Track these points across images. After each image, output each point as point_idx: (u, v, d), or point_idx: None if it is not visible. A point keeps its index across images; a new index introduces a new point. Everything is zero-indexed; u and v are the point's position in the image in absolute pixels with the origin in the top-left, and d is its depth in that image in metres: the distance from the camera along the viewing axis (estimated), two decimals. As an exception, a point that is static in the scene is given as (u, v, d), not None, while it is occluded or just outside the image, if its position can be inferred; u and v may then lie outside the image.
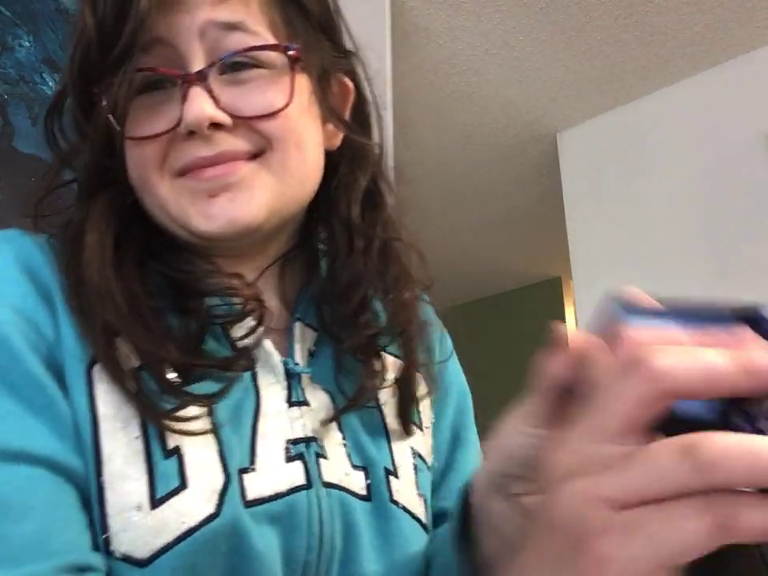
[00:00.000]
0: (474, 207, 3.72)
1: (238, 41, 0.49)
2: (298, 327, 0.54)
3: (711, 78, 2.67)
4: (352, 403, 0.53)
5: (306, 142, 0.52)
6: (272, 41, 0.50)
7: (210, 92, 0.47)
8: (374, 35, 2.11)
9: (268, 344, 0.51)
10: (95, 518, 0.43)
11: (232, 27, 0.49)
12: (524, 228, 3.95)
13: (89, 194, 0.51)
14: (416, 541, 0.51)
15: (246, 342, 0.50)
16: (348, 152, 0.58)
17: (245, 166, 0.49)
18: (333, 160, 0.57)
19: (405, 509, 0.51)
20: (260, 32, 0.50)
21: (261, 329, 0.51)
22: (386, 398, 0.56)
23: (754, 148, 2.51)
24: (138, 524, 0.42)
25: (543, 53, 2.58)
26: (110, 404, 0.45)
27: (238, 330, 0.50)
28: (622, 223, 2.77)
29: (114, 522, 0.42)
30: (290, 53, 0.50)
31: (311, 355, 0.55)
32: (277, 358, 0.51)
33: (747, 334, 0.29)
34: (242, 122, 0.49)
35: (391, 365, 0.57)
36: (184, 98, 0.47)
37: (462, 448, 0.62)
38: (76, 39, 0.49)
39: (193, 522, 0.42)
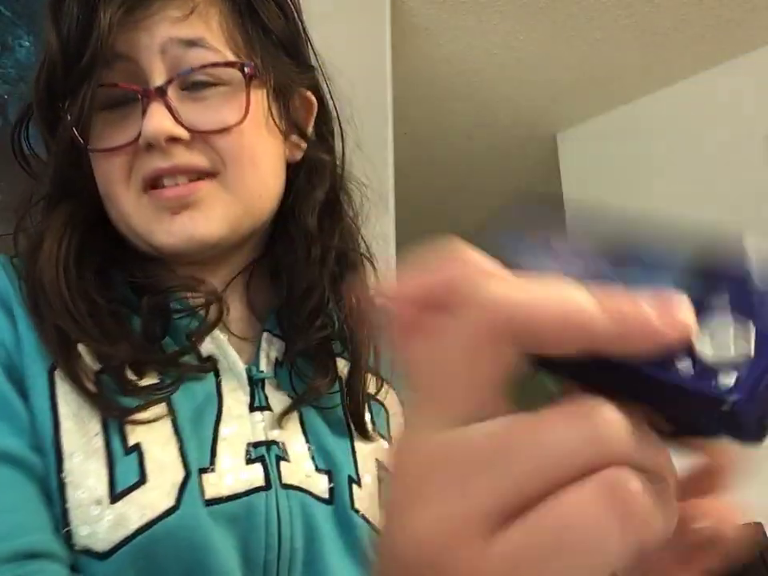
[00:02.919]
0: (474, 207, 3.72)
1: (197, 57, 0.51)
2: (265, 337, 0.56)
3: (711, 77, 2.67)
4: (299, 400, 0.54)
5: (261, 158, 0.54)
6: (231, 57, 0.52)
7: (169, 107, 0.49)
8: (374, 35, 2.11)
9: (232, 352, 0.53)
10: (56, 513, 0.44)
11: (192, 44, 0.51)
12: (524, 228, 3.95)
13: (53, 205, 0.53)
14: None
15: (210, 347, 0.52)
16: (307, 164, 0.59)
17: (204, 186, 0.51)
18: (297, 171, 0.59)
19: (365, 518, 0.51)
20: (219, 48, 0.52)
21: (218, 342, 0.53)
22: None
23: (754, 148, 2.51)
24: (98, 517, 0.43)
25: (543, 53, 2.58)
26: (71, 403, 0.46)
27: (198, 329, 0.52)
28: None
29: (75, 516, 0.43)
30: (246, 70, 0.52)
31: (279, 364, 0.56)
32: (240, 365, 0.53)
33: (682, 302, 0.20)
34: (199, 137, 0.51)
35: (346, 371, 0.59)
36: (144, 112, 0.49)
37: None
38: (42, 58, 0.51)
39: (152, 514, 0.44)
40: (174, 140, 0.49)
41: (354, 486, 0.52)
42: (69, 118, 0.49)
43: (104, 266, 0.53)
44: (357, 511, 0.51)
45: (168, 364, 0.50)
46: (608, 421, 0.18)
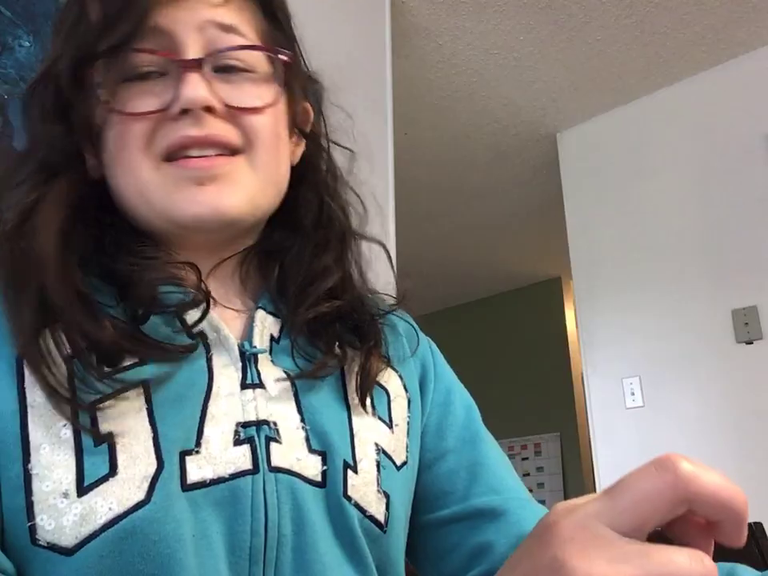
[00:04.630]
0: (474, 207, 3.72)
1: (233, 41, 0.52)
2: (259, 313, 0.55)
3: (711, 78, 2.67)
4: (301, 374, 0.53)
5: (281, 147, 0.55)
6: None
7: (205, 79, 0.50)
8: (374, 35, 2.11)
9: (224, 327, 0.52)
10: (18, 507, 0.42)
11: (228, 29, 0.52)
12: (524, 228, 3.96)
13: (46, 178, 0.51)
14: (368, 538, 0.51)
15: (201, 327, 0.51)
16: (310, 166, 0.61)
17: (229, 161, 0.51)
18: (294, 173, 0.60)
19: (357, 505, 0.50)
20: (252, 38, 0.54)
21: (209, 315, 0.52)
22: (351, 390, 0.56)
23: (754, 148, 2.51)
24: (64, 511, 0.42)
25: (543, 53, 2.58)
26: (39, 393, 0.45)
27: (189, 317, 0.51)
28: (621, 223, 2.77)
29: (40, 509, 0.42)
30: (283, 57, 0.54)
31: (276, 341, 0.55)
32: (233, 340, 0.52)
33: None
34: (230, 115, 0.51)
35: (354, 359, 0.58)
36: (179, 80, 0.50)
37: (483, 443, 0.62)
38: (73, 22, 0.51)
39: (120, 509, 0.42)
40: (208, 110, 0.50)
41: (350, 472, 0.51)
42: (99, 81, 0.49)
43: (85, 252, 0.51)
44: (349, 499, 0.50)
45: (152, 348, 0.48)
46: (709, 563, 0.30)
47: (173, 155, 0.50)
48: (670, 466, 0.30)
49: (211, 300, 0.52)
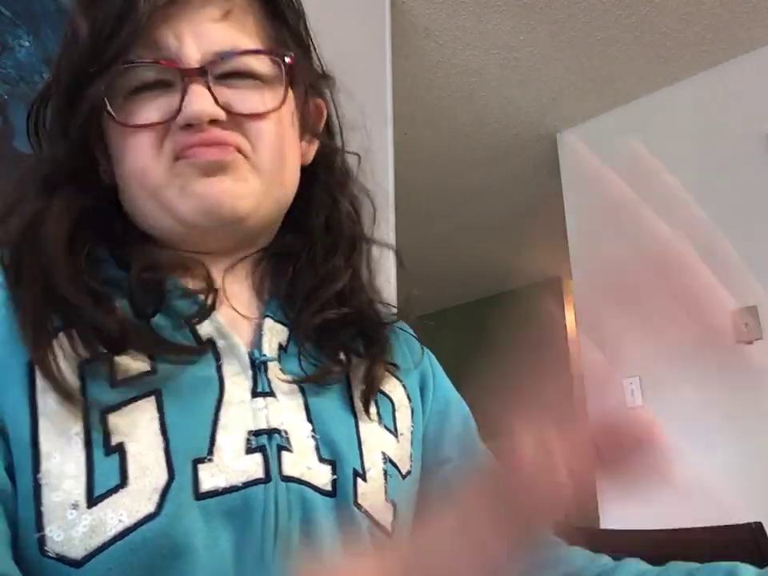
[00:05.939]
0: (474, 207, 3.72)
1: (236, 47, 0.52)
2: (267, 322, 0.55)
3: (711, 78, 2.67)
4: (308, 378, 0.53)
5: (287, 150, 0.55)
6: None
7: (209, 89, 0.50)
8: (374, 35, 2.11)
9: (233, 335, 0.52)
10: (28, 517, 0.42)
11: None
12: (524, 228, 3.95)
13: (50, 189, 0.51)
14: (376, 547, 0.50)
15: (209, 330, 0.51)
16: (323, 166, 0.61)
17: (236, 153, 0.51)
18: (307, 174, 0.60)
19: (368, 513, 0.50)
20: (255, 44, 0.54)
21: (218, 323, 0.52)
22: (357, 397, 0.56)
23: (754, 148, 2.51)
24: (74, 523, 0.41)
25: (543, 53, 2.58)
26: (51, 401, 0.44)
27: (190, 313, 0.51)
28: (622, 223, 2.77)
29: (49, 520, 0.42)
30: (287, 60, 0.54)
31: (284, 349, 0.55)
32: (243, 348, 0.51)
33: None
34: (233, 121, 0.51)
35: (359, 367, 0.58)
36: (184, 91, 0.49)
37: (480, 453, 0.62)
38: (70, 38, 0.51)
39: (130, 521, 0.42)
40: (212, 122, 0.50)
41: (359, 480, 0.50)
42: (100, 92, 0.49)
43: (92, 250, 0.51)
44: (359, 506, 0.49)
45: (161, 344, 0.48)
46: None
47: (182, 155, 0.51)
48: None
49: (219, 301, 0.52)
